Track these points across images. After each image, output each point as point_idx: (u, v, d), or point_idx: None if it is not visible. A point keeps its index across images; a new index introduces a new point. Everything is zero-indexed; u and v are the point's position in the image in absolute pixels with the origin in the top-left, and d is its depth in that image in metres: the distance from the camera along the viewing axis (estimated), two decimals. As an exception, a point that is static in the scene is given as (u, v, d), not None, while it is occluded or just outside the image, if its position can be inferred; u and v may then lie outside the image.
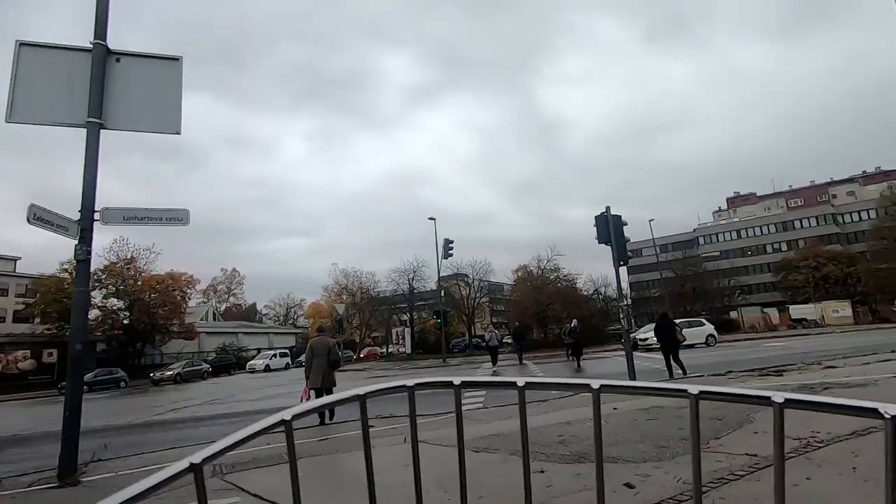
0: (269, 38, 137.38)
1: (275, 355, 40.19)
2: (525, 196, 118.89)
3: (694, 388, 0.81)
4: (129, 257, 38.06)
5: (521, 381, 0.97)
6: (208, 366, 35.69)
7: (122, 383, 31.93)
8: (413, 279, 41.95)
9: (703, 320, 25.95)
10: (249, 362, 39.18)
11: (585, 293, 43.49)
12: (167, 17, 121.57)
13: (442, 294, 34.14)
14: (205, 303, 70.73)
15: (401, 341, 38.79)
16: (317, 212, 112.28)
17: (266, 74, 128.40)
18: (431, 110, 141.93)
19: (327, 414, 7.86)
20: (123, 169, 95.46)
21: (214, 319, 60.26)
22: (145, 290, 36.95)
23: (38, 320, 34.84)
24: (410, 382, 0.98)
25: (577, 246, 74.97)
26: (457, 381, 1.00)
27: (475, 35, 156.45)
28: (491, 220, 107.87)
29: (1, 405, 22.50)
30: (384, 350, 47.58)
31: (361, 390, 0.91)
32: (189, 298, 40.66)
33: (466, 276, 43.88)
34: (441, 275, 32.80)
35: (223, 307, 77.67)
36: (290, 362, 40.04)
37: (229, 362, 40.42)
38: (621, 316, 9.57)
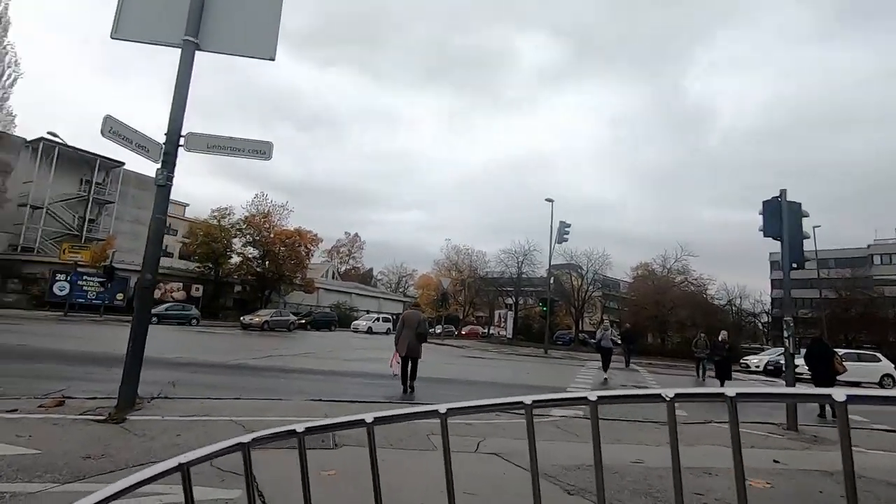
0: (404, 15, 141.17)
1: (377, 319, 40.72)
2: (650, 190, 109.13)
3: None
4: (266, 211, 41.65)
5: (592, 396, 0.80)
6: (295, 318, 34.05)
7: (194, 321, 30.42)
8: (522, 263, 40.39)
9: (879, 355, 20.79)
10: (354, 322, 40.13)
11: (717, 302, 38.31)
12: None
13: (551, 281, 32.14)
14: (328, 262, 76.19)
15: (503, 324, 37.74)
16: (435, 188, 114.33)
17: (399, 51, 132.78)
18: (559, 94, 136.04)
19: (410, 384, 9.10)
20: (274, 138, 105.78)
21: (333, 278, 64.50)
22: (276, 243, 40.23)
23: (194, 259, 39.80)
24: (300, 428, 0.81)
25: (704, 250, 66.97)
26: (442, 408, 0.84)
27: (615, 14, 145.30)
28: (608, 212, 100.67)
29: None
30: (486, 330, 46.95)
31: (245, 438, 0.76)
32: (312, 255, 43.52)
33: (580, 267, 41.15)
34: (553, 262, 30.89)
35: (343, 268, 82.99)
36: (391, 328, 40.54)
37: (331, 319, 39.92)
38: (786, 334, 7.25)
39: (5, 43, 33.74)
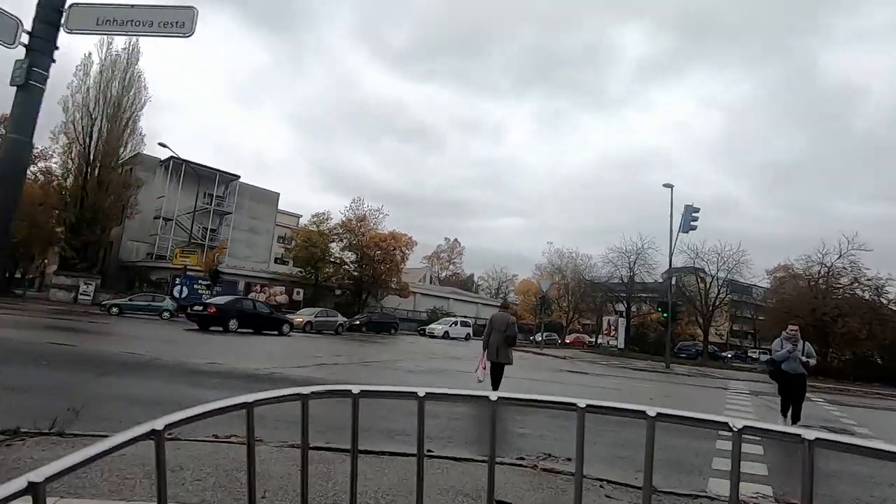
0: (501, 22, 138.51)
1: (455, 323, 36.68)
2: (778, 185, 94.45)
3: None
4: (362, 215, 41.40)
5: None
6: (344, 319, 29.22)
7: (166, 313, 25.78)
8: (635, 263, 35.06)
9: None
10: (429, 326, 36.23)
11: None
12: (414, 11, 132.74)
13: (673, 282, 26.88)
14: (427, 267, 75.65)
15: (613, 332, 32.68)
16: (536, 193, 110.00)
17: (496, 59, 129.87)
18: (667, 87, 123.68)
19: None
20: (379, 150, 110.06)
21: (431, 283, 63.40)
22: (371, 247, 39.66)
23: (295, 264, 40.76)
24: (356, 390, 0.88)
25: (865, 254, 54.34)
26: (493, 396, 0.87)
27: None
28: (729, 212, 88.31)
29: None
30: (593, 339, 42.05)
31: (305, 390, 0.81)
32: (407, 259, 42.41)
33: (703, 270, 34.74)
34: (673, 261, 25.71)
35: (444, 274, 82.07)
36: (471, 333, 36.58)
37: (390, 322, 35.35)
38: None
39: (136, 70, 37.32)
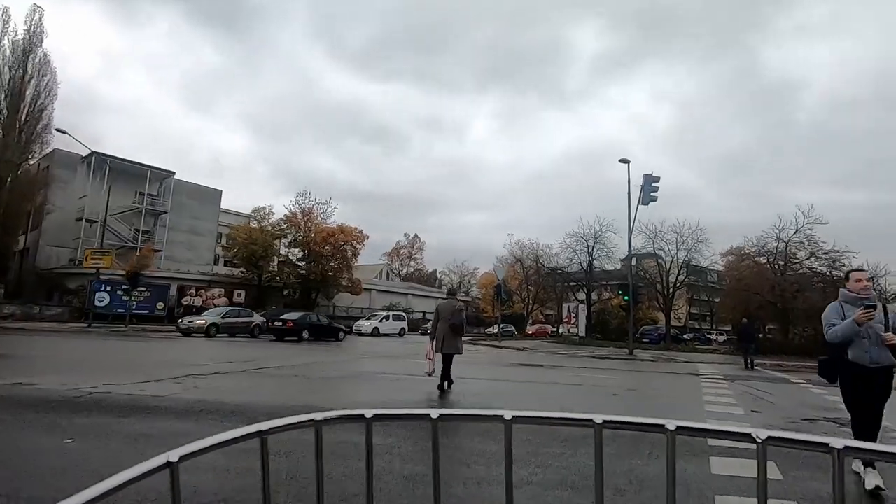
0: (459, 22, 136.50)
1: (387, 318, 32.83)
2: (733, 175, 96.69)
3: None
4: (308, 209, 38.33)
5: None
6: (262, 319, 24.36)
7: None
8: (594, 248, 33.51)
9: None
10: (356, 323, 31.78)
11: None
12: (372, 11, 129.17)
13: (633, 263, 25.27)
14: (386, 263, 72.83)
15: (573, 320, 30.87)
16: (500, 189, 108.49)
17: (456, 57, 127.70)
18: (624, 82, 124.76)
19: (446, 384, 7.80)
20: (342, 151, 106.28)
21: (388, 279, 60.69)
22: (319, 242, 36.67)
23: (235, 264, 37.20)
24: (369, 414, 0.81)
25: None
26: (508, 415, 0.78)
27: None
28: (687, 203, 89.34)
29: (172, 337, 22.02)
30: (555, 329, 40.47)
31: (318, 416, 0.79)
32: (359, 254, 39.55)
33: (662, 251, 33.48)
34: (633, 244, 24.05)
35: (405, 270, 79.51)
36: (406, 328, 33.22)
37: (332, 327, 24.78)
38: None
39: (42, 53, 32.91)
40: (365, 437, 0.78)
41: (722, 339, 46.71)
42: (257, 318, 24.63)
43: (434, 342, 7.99)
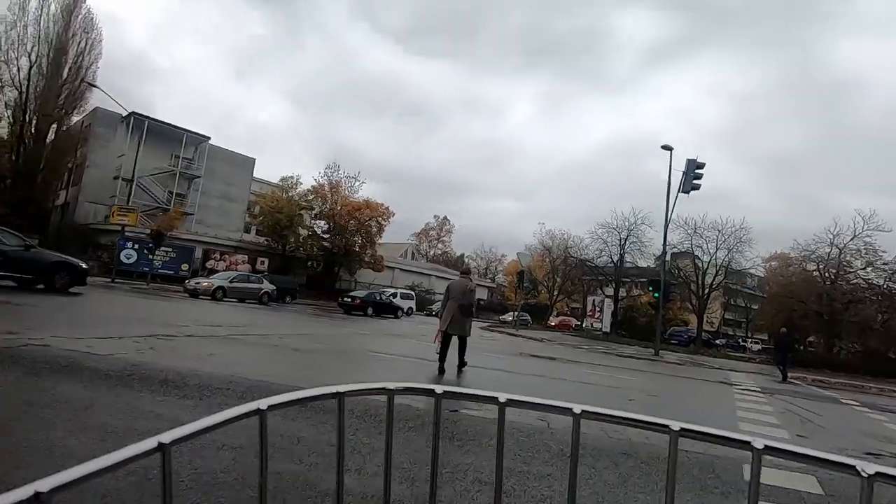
0: (502, 1, 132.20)
1: (394, 295, 29.83)
2: (781, 177, 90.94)
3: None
4: (336, 182, 37.81)
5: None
6: (272, 287, 24.35)
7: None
8: (626, 240, 31.60)
9: None
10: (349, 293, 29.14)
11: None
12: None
13: (668, 258, 23.47)
14: (415, 244, 72.32)
15: (597, 315, 29.15)
16: (534, 176, 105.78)
17: (497, 37, 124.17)
18: (672, 72, 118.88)
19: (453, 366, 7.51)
20: (377, 128, 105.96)
21: (414, 258, 60.05)
22: (344, 216, 36.14)
23: (259, 231, 37.17)
24: (439, 390, 0.78)
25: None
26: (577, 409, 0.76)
27: None
28: (729, 203, 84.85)
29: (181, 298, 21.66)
30: (580, 322, 38.88)
31: (390, 385, 0.76)
32: (384, 230, 38.84)
33: (700, 249, 31.13)
34: (668, 239, 22.17)
35: (432, 252, 78.88)
36: (413, 307, 31.09)
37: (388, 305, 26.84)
38: None
39: (86, 10, 33.17)
40: (434, 413, 0.75)
41: (756, 347, 44.06)
42: (267, 286, 24.20)
43: (441, 322, 7.68)
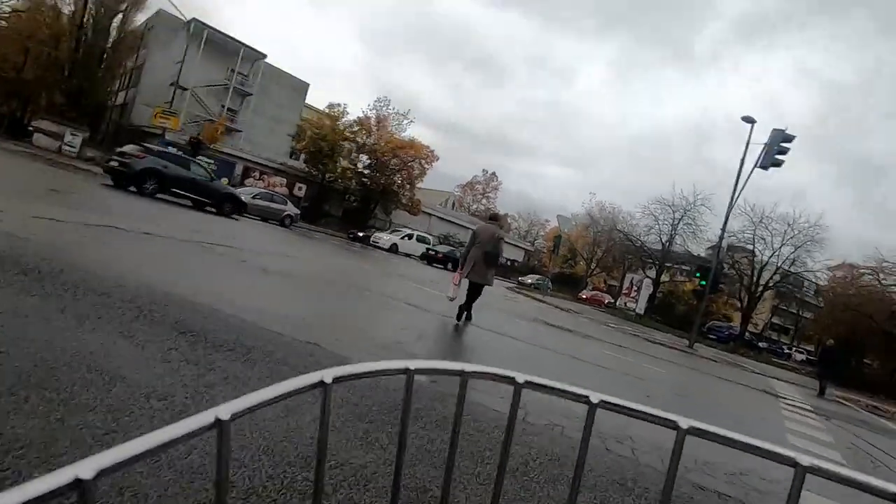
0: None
1: (410, 236, 28.38)
2: (865, 182, 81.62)
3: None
4: (384, 117, 36.29)
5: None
6: (295, 211, 23.51)
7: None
8: (680, 221, 28.76)
9: None
10: (375, 234, 28.27)
11: None
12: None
13: (724, 247, 20.94)
14: (460, 194, 70.61)
15: (633, 294, 26.96)
16: (594, 145, 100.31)
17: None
18: (765, 50, 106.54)
19: (465, 316, 7.07)
20: (440, 74, 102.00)
21: (453, 208, 58.53)
22: (387, 152, 34.79)
23: (301, 156, 36.41)
24: (521, 380, 0.73)
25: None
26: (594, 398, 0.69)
27: None
28: (799, 202, 77.08)
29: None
30: (614, 301, 36.75)
31: (468, 367, 0.68)
32: (426, 173, 37.30)
33: (753, 253, 27.92)
34: (730, 226, 19.51)
35: (475, 207, 77.14)
36: (429, 251, 28.72)
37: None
38: None
39: None
40: (512, 402, 0.69)
41: (801, 357, 40.79)
42: (291, 209, 23.31)
43: (462, 267, 7.14)
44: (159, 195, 13.80)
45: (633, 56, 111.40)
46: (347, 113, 35.82)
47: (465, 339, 6.15)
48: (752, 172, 15.30)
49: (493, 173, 75.95)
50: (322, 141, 33.76)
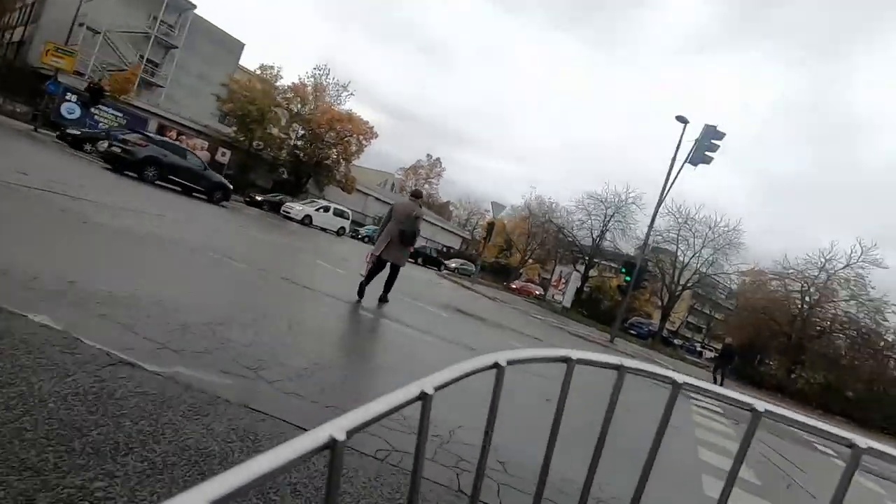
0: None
1: (326, 209, 25.32)
2: (773, 196, 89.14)
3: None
4: (322, 86, 33.92)
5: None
6: (222, 179, 17.63)
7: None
8: (612, 218, 29.08)
9: None
10: (287, 204, 25.12)
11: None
12: None
13: (649, 242, 21.07)
14: (402, 179, 68.91)
15: (561, 286, 26.89)
16: (538, 143, 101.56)
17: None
18: (700, 64, 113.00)
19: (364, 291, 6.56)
20: (395, 54, 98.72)
21: (392, 190, 56.86)
22: (322, 124, 32.52)
23: (228, 120, 33.22)
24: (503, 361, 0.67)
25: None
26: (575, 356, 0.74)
27: None
28: (718, 208, 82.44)
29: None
30: (544, 292, 36.87)
31: (428, 383, 0.56)
32: (364, 150, 35.36)
33: (675, 256, 28.77)
34: (657, 226, 19.68)
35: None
36: (346, 227, 26.91)
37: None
38: None
39: None
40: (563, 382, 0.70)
41: (710, 355, 43.29)
42: (214, 176, 20.20)
43: (377, 244, 6.70)
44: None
45: (583, 54, 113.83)
46: (282, 77, 33.13)
47: (337, 324, 4.89)
48: (682, 168, 15.16)
49: (438, 159, 74.76)
50: (251, 105, 30.96)
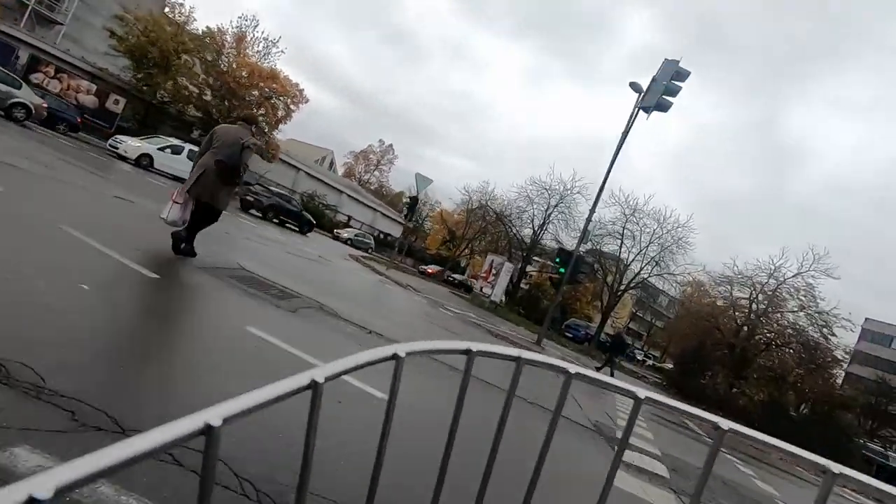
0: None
1: (177, 149, 18.93)
2: (711, 212, 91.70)
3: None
4: (241, 36, 28.97)
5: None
6: (40, 101, 15.02)
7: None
8: (556, 207, 25.99)
9: None
10: (118, 137, 18.30)
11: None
12: None
13: (593, 236, 17.93)
14: (351, 163, 64.09)
15: (490, 279, 23.23)
16: (498, 144, 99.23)
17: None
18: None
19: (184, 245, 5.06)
20: (357, 41, 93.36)
21: (331, 169, 52.10)
22: (238, 78, 27.57)
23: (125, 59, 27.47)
24: (402, 353, 0.66)
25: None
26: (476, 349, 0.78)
27: (742, 14, 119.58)
28: (659, 216, 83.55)
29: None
30: (466, 280, 32.72)
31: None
32: (291, 115, 30.60)
33: (616, 258, 26.04)
34: (603, 215, 16.56)
35: (367, 177, 71.01)
36: (190, 161, 19.02)
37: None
38: None
39: None
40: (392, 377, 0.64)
41: (649, 362, 41.48)
42: (28, 95, 15.25)
43: (188, 178, 5.19)
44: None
45: (544, 63, 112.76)
46: (195, 19, 27.93)
47: None
48: (635, 116, 11.93)
49: (391, 145, 70.58)
50: (151, 46, 25.65)
